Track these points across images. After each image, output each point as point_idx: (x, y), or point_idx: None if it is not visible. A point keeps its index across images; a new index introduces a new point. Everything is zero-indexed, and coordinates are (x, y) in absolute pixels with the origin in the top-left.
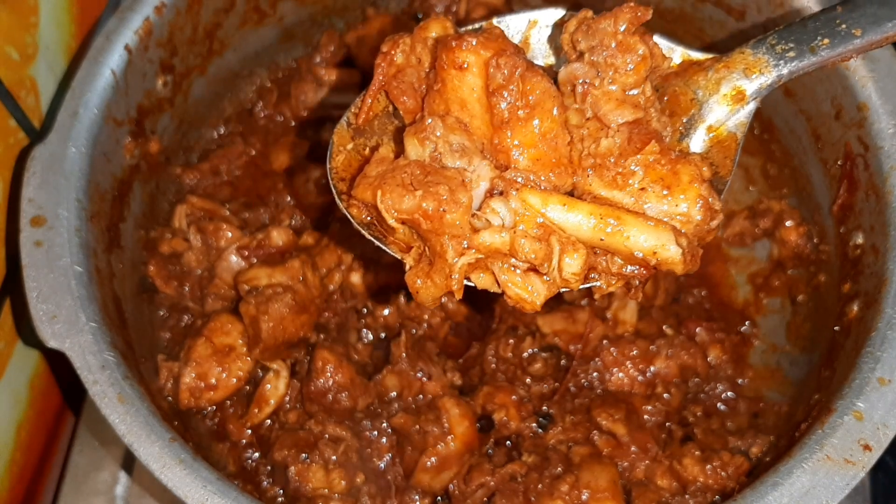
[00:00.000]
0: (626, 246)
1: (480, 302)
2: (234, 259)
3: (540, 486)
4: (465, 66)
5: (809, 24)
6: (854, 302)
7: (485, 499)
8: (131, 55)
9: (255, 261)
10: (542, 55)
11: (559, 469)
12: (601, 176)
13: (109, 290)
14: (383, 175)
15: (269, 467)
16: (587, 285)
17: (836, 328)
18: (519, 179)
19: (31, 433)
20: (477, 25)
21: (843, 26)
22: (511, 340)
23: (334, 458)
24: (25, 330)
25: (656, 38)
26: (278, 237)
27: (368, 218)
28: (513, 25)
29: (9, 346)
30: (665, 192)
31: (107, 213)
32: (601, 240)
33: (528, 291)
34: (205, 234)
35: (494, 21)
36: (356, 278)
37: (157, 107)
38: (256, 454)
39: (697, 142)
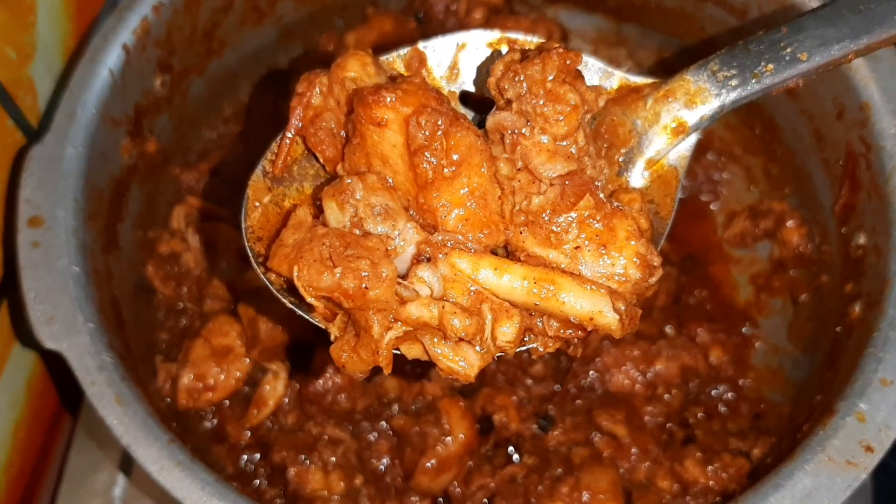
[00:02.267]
0: (562, 311)
1: None
2: (232, 260)
3: (540, 487)
4: (384, 123)
5: (753, 47)
6: (856, 302)
7: (485, 500)
8: (129, 55)
9: None
10: (471, 80)
11: (559, 471)
12: (534, 233)
13: (107, 291)
14: (300, 246)
15: (268, 469)
16: (523, 348)
17: (838, 329)
18: (448, 242)
19: (28, 434)
20: (403, 51)
21: (788, 50)
22: None
23: (333, 459)
24: (23, 331)
25: (591, 61)
26: None
27: (287, 285)
28: (441, 49)
29: (6, 348)
30: (601, 251)
31: (105, 214)
32: (535, 304)
33: (459, 365)
34: (203, 235)
35: (420, 45)
36: None
37: (155, 107)
38: (255, 456)
39: (637, 176)
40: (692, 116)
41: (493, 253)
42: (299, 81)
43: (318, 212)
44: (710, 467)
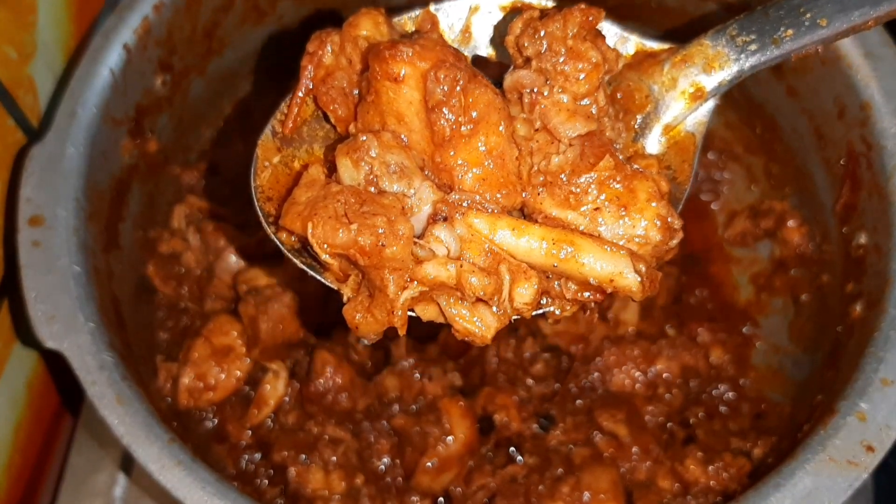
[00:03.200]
0: (581, 273)
1: None
2: (233, 259)
3: (541, 487)
4: (401, 78)
5: (772, 12)
6: (857, 302)
7: (485, 500)
8: (130, 54)
9: (254, 261)
10: (485, 45)
11: (560, 470)
12: (553, 194)
13: (108, 291)
14: (314, 203)
15: (268, 469)
16: (540, 311)
17: (839, 328)
18: (464, 202)
19: (29, 434)
20: (415, 13)
21: (808, 15)
22: (512, 341)
23: (334, 459)
24: (23, 330)
25: (606, 26)
26: None
27: (299, 243)
28: (452, 13)
29: (7, 347)
30: (622, 212)
31: (105, 213)
32: (554, 266)
33: (476, 325)
34: (204, 234)
35: (431, 8)
36: None
37: (155, 106)
38: (256, 455)
39: (653, 142)
40: (710, 81)
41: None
42: (310, 40)
43: (331, 171)
44: (710, 467)
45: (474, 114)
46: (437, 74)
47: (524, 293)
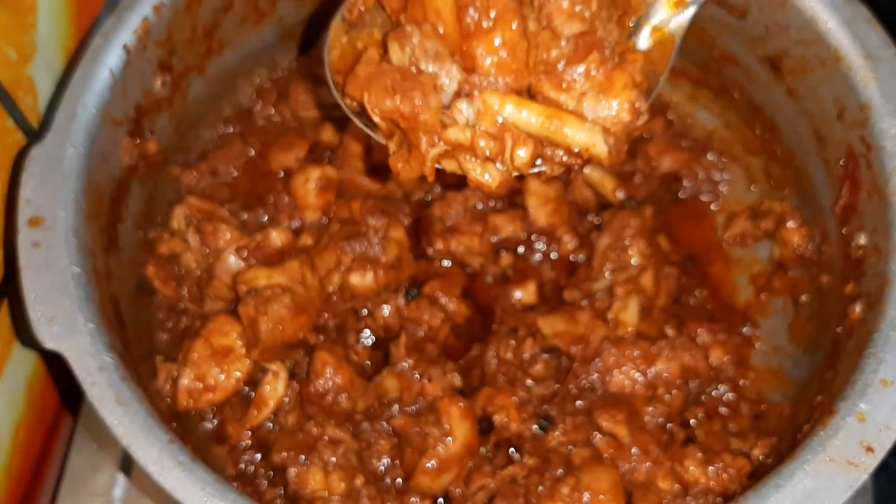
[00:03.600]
0: (566, 142)
1: (481, 303)
2: (232, 260)
3: (540, 488)
4: None
5: None
6: (857, 303)
7: (485, 501)
8: (129, 55)
9: (254, 262)
10: None
11: (560, 471)
12: (551, 80)
13: (107, 292)
14: (369, 77)
15: (268, 469)
16: (535, 170)
17: (839, 329)
18: (482, 83)
19: (28, 435)
20: None
21: None
22: (512, 342)
23: (333, 459)
24: (23, 331)
25: None
26: (277, 238)
27: (359, 109)
28: None
29: (6, 348)
30: (601, 97)
31: (105, 214)
32: (546, 136)
33: (484, 178)
34: (203, 235)
35: None
36: (355, 279)
37: (155, 107)
38: (256, 456)
39: (643, 40)
40: None
41: (518, 94)
42: None
43: (384, 52)
44: (710, 468)
45: (493, 13)
46: None
47: (522, 155)
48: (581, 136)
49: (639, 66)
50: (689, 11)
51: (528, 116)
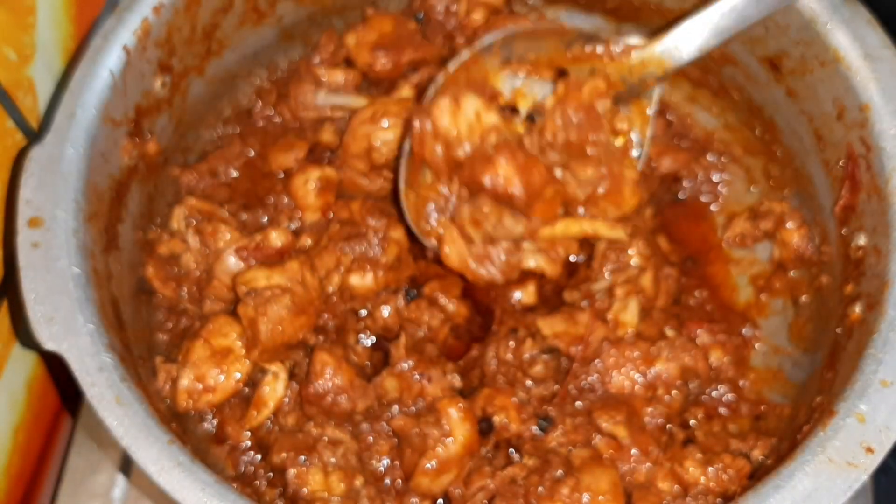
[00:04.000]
0: (598, 237)
1: (480, 304)
2: (232, 260)
3: (540, 488)
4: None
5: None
6: (856, 303)
7: (485, 501)
8: (129, 56)
9: (254, 262)
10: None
11: (560, 472)
12: (574, 212)
13: (107, 292)
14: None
15: (268, 470)
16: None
17: (839, 330)
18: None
19: (28, 435)
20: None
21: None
22: (511, 342)
23: (333, 460)
24: (22, 332)
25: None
26: (277, 238)
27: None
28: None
29: (6, 348)
30: (615, 207)
31: (104, 215)
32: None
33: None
34: (203, 236)
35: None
36: (355, 280)
37: (155, 107)
38: (255, 457)
39: (625, 108)
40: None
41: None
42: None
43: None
44: (710, 468)
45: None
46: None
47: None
48: (607, 234)
49: (635, 171)
50: (658, 88)
51: (563, 230)
